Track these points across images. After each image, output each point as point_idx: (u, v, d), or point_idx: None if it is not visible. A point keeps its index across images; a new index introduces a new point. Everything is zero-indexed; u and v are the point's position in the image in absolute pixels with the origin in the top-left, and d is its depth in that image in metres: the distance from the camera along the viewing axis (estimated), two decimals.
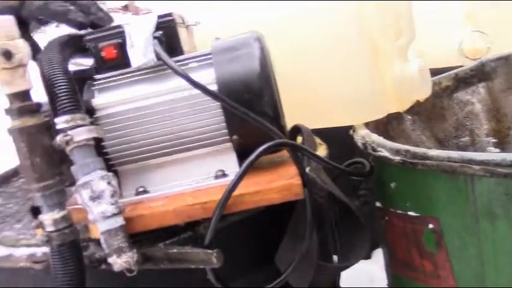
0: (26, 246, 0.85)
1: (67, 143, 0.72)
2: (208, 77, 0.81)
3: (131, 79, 0.84)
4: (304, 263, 0.82)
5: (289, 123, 0.95)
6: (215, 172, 0.83)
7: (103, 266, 0.79)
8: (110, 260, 0.74)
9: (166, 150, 0.84)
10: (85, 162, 0.73)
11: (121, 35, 0.83)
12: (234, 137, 0.82)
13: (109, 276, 0.78)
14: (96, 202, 0.72)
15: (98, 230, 0.73)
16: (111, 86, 0.84)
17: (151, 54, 0.80)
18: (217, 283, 0.77)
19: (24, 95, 0.73)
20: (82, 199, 0.72)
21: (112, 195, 0.73)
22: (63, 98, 0.72)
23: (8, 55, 0.70)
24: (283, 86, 0.96)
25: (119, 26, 0.84)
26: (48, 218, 0.74)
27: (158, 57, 0.79)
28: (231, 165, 0.84)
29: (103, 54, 0.84)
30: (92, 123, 0.77)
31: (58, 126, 0.72)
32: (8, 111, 0.73)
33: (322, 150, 1.06)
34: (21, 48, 0.72)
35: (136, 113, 0.82)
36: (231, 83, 0.80)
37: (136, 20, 0.84)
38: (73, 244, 0.75)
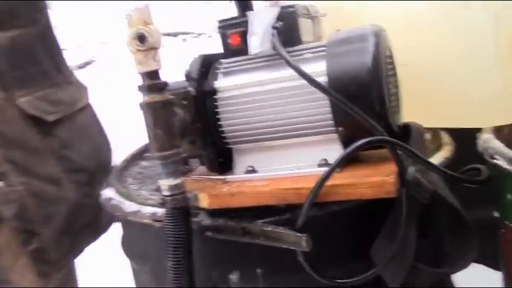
0: (151, 206, 0.97)
1: None
2: (319, 68, 0.84)
3: (251, 65, 0.90)
4: (398, 261, 0.83)
5: (410, 118, 0.94)
6: (319, 160, 0.87)
7: (209, 233, 0.89)
8: None
9: (275, 135, 0.89)
10: None
11: (247, 24, 0.90)
12: (340, 128, 0.85)
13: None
14: None
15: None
16: (233, 71, 0.92)
17: (268, 44, 0.86)
18: (306, 265, 0.81)
19: (154, 74, 0.83)
20: None
21: None
22: None
23: (142, 38, 0.80)
24: (408, 79, 0.96)
25: (245, 15, 0.91)
26: (164, 183, 0.84)
27: (274, 47, 0.84)
28: (335, 155, 0.86)
29: (229, 40, 0.91)
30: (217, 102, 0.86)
31: None
32: (140, 88, 0.84)
33: (445, 152, 1.03)
34: (154, 33, 0.81)
35: (251, 97, 0.89)
36: (341, 76, 0.82)
37: (261, 10, 0.89)
38: (183, 209, 0.84)
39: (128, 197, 1.02)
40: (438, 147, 1.05)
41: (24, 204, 1.10)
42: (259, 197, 0.82)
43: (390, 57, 0.91)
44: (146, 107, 0.83)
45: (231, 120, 0.90)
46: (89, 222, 1.24)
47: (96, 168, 1.25)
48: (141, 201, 1.00)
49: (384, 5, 1.11)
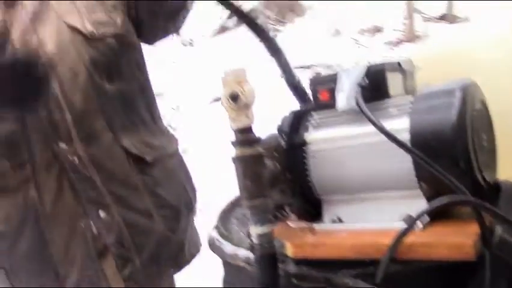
0: (246, 249, 1.03)
1: None
2: (402, 125, 0.86)
3: (339, 119, 0.94)
4: None
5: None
6: (404, 215, 0.88)
7: (294, 280, 0.93)
8: None
9: (360, 188, 0.92)
10: None
11: (336, 80, 0.94)
12: (423, 184, 0.85)
13: None
14: None
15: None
16: (322, 124, 0.96)
17: (353, 101, 0.89)
18: None
19: (246, 130, 0.90)
20: None
21: None
22: None
23: (235, 98, 0.88)
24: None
25: (336, 73, 0.95)
26: (253, 231, 0.91)
27: (357, 104, 0.88)
28: (418, 209, 0.87)
29: (319, 96, 0.96)
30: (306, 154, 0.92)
31: None
32: (232, 143, 0.91)
33: None
34: (247, 92, 0.89)
35: (339, 151, 0.92)
36: (423, 132, 0.83)
37: (350, 68, 0.93)
38: (270, 256, 0.90)
39: (229, 239, 1.10)
40: None
41: (122, 234, 1.23)
42: (340, 250, 0.85)
43: (483, 110, 0.90)
44: (237, 160, 0.90)
45: (319, 171, 0.95)
46: (174, 254, 1.36)
47: (181, 206, 1.37)
48: (238, 243, 1.07)
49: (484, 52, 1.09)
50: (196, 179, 1.50)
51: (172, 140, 1.43)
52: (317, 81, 0.97)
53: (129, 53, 1.31)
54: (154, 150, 1.35)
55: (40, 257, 1.18)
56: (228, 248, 1.07)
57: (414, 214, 0.87)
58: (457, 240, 0.76)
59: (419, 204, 0.87)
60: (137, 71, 1.33)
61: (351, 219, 0.93)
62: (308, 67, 7.09)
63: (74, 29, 1.23)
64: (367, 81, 0.90)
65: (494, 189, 0.87)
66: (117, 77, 1.28)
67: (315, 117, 0.98)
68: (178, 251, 1.38)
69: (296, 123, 0.98)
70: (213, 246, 1.14)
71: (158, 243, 1.32)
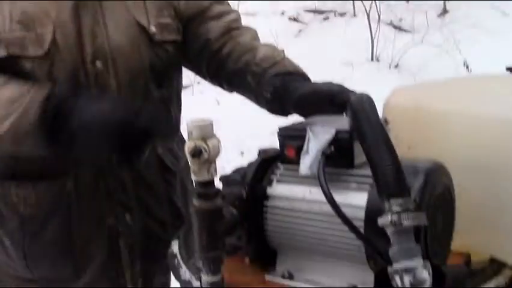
0: (198, 281, 1.07)
1: (395, 225, 0.76)
2: (359, 201, 0.87)
3: (302, 180, 0.95)
4: None
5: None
6: (348, 285, 0.90)
7: None
8: None
9: (313, 250, 0.94)
10: (409, 247, 0.76)
11: (304, 138, 0.94)
12: (371, 262, 0.87)
13: None
14: None
15: None
16: (286, 180, 0.97)
17: (315, 169, 0.89)
18: None
19: (206, 184, 0.91)
20: (401, 283, 0.75)
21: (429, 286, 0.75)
22: (397, 179, 0.77)
23: (198, 154, 0.89)
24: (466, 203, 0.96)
25: (305, 129, 0.95)
26: (204, 279, 0.93)
27: (318, 175, 0.88)
28: (366, 282, 0.90)
29: (286, 151, 0.96)
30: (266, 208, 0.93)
31: (391, 207, 0.77)
32: (193, 194, 0.92)
33: (500, 279, 1.00)
34: (211, 149, 0.89)
35: (297, 213, 0.94)
36: (378, 213, 0.84)
37: (319, 130, 0.93)
38: None
39: (187, 264, 1.13)
40: (497, 272, 1.02)
41: (139, 240, 1.26)
42: None
43: (445, 193, 0.91)
44: (196, 213, 0.91)
45: (276, 225, 0.97)
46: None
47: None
48: (194, 273, 1.10)
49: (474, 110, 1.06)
50: None
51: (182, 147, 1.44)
52: (286, 134, 0.97)
53: (179, 61, 1.29)
54: (178, 160, 1.36)
55: (62, 248, 1.20)
56: (184, 273, 1.11)
57: (359, 283, 0.90)
58: None
59: (366, 277, 0.90)
60: (177, 79, 1.32)
61: (301, 276, 0.96)
62: (321, 12, 6.90)
63: (141, 27, 1.20)
64: (333, 150, 0.90)
65: (441, 274, 0.89)
66: (165, 84, 1.25)
67: (281, 170, 0.99)
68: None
69: (261, 173, 0.99)
70: (171, 263, 1.17)
71: (165, 252, 1.36)
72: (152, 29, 1.20)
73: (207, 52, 1.27)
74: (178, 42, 1.26)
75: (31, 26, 1.10)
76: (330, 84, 1.03)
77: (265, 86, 1.15)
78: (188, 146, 0.89)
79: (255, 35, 1.29)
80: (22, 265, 1.23)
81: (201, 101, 5.21)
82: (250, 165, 1.00)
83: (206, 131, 0.90)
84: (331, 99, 0.97)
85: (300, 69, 1.20)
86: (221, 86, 1.33)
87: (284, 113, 1.14)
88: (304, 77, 1.17)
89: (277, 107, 1.14)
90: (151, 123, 1.03)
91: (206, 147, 0.89)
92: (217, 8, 1.30)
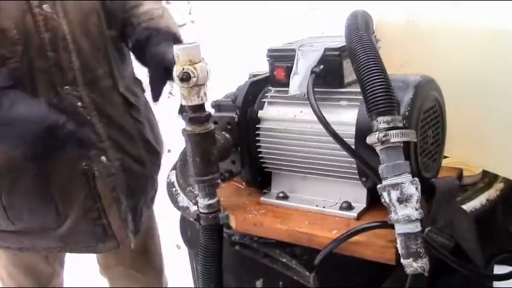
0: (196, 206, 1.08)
1: (382, 142, 0.76)
2: (349, 117, 0.87)
3: (293, 100, 0.94)
4: None
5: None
6: (341, 202, 0.92)
7: (237, 247, 0.99)
8: (404, 262, 0.75)
9: (306, 168, 0.95)
10: (396, 163, 0.76)
11: (293, 59, 0.93)
12: (363, 178, 0.89)
13: None
14: (403, 205, 0.75)
15: (396, 231, 0.76)
16: (277, 102, 0.97)
17: (305, 88, 0.89)
18: None
19: (197, 108, 0.91)
20: (388, 198, 0.76)
21: (417, 201, 0.76)
22: (386, 98, 0.77)
23: (187, 78, 0.88)
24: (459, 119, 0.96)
25: (294, 50, 0.94)
26: (200, 202, 0.95)
27: (307, 94, 0.88)
28: (359, 199, 0.91)
29: (275, 73, 0.96)
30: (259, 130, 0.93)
31: (378, 125, 0.77)
32: (184, 117, 0.92)
33: (492, 192, 1.01)
34: (199, 71, 0.88)
35: (289, 133, 0.94)
36: (368, 128, 0.84)
37: (307, 50, 0.92)
38: (215, 226, 0.95)
39: (184, 191, 1.14)
40: (489, 185, 1.03)
41: (118, 178, 1.28)
42: (278, 234, 0.90)
43: (435, 107, 0.90)
44: (188, 137, 0.92)
45: (269, 147, 0.97)
46: (153, 194, 1.46)
47: (161, 150, 1.44)
48: (191, 199, 1.11)
49: (461, 24, 1.05)
50: None
51: (141, 87, 1.44)
52: (275, 57, 0.96)
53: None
54: (138, 97, 1.37)
55: (41, 196, 1.22)
56: (182, 200, 1.12)
57: (354, 202, 0.92)
58: (381, 243, 0.81)
59: (359, 193, 0.91)
60: (120, 21, 1.30)
61: (295, 196, 0.97)
62: None
63: None
64: (322, 68, 0.90)
65: (431, 187, 0.90)
66: (115, 23, 1.26)
67: (271, 93, 0.98)
68: (155, 192, 1.46)
69: (252, 96, 0.99)
70: (169, 192, 1.19)
71: (147, 187, 1.38)
72: None
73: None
74: None
75: None
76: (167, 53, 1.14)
77: (133, 35, 1.28)
78: (176, 70, 0.88)
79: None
80: (3, 217, 1.25)
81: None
82: (240, 89, 1.00)
83: (193, 54, 0.89)
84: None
85: (170, 28, 1.30)
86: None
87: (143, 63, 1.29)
88: (170, 37, 1.26)
89: (137, 56, 1.31)
90: (69, 137, 1.11)
91: (194, 70, 0.88)
92: None
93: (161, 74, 1.17)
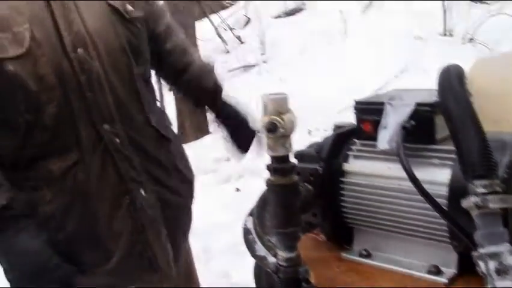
0: (274, 257, 1.06)
1: (479, 207, 0.71)
2: (441, 177, 0.83)
3: (381, 155, 0.91)
4: None
5: None
6: (428, 266, 0.87)
7: None
8: None
9: (392, 227, 0.91)
10: (494, 231, 0.71)
11: (381, 112, 0.91)
12: (455, 242, 0.84)
13: None
14: (502, 276, 0.70)
15: None
16: (363, 156, 0.94)
17: (394, 144, 0.86)
18: None
19: (282, 159, 0.89)
20: (485, 268, 0.71)
21: None
22: (483, 160, 0.72)
23: (273, 129, 0.87)
24: None
25: (382, 103, 0.91)
26: (280, 254, 0.93)
27: (397, 150, 0.84)
28: (448, 263, 0.86)
29: (362, 125, 0.93)
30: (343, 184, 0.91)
31: (475, 189, 0.72)
32: (268, 167, 0.91)
33: None
34: (287, 123, 0.87)
35: (376, 189, 0.91)
36: (463, 190, 0.80)
37: (397, 102, 0.89)
38: (293, 281, 0.92)
39: (262, 240, 1.12)
40: None
41: (157, 210, 1.30)
42: None
43: None
44: (271, 188, 0.90)
45: (353, 202, 0.94)
46: (189, 223, 1.49)
47: (193, 179, 1.48)
48: (270, 249, 1.09)
49: None
50: None
51: (167, 117, 1.48)
52: (362, 109, 0.94)
53: (146, 36, 1.34)
54: (168, 129, 1.41)
55: (87, 235, 1.24)
56: (260, 249, 1.10)
57: (442, 266, 0.86)
58: None
59: (448, 258, 0.86)
60: (148, 55, 1.36)
61: (379, 255, 0.93)
62: None
63: (114, 9, 1.23)
64: (413, 123, 0.87)
65: None
66: (141, 61, 1.30)
67: (357, 146, 0.96)
68: (191, 221, 1.49)
69: (337, 149, 0.97)
70: (246, 239, 1.17)
71: (183, 216, 1.41)
72: (128, 7, 1.26)
73: (152, 42, 1.38)
74: (150, 20, 1.35)
75: (6, 27, 1.12)
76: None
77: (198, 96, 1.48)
78: (263, 121, 0.88)
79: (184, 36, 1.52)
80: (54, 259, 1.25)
81: (268, 80, 5.20)
82: (325, 140, 0.98)
83: (281, 105, 0.88)
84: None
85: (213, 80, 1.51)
86: (163, 78, 1.55)
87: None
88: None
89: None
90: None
91: (281, 121, 0.87)
92: (159, 5, 1.45)
93: (247, 129, 1.29)
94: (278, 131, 0.87)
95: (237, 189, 3.80)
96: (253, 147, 1.49)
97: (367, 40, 5.39)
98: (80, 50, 1.19)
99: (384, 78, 4.61)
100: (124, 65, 1.26)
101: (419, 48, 5.13)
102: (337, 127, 1.03)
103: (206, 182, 3.74)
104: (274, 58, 5.86)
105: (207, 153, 4.20)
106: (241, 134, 1.38)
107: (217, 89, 1.51)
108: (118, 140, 1.24)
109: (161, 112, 1.46)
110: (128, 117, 1.27)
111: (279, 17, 6.75)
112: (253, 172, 3.65)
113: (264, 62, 5.57)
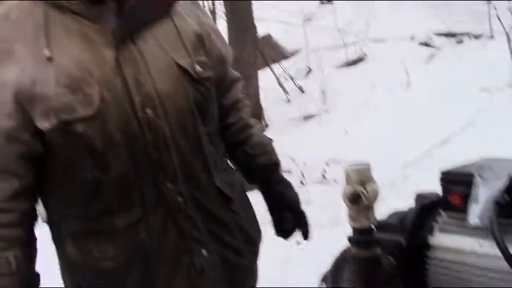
0: None
1: None
2: None
3: (469, 231, 0.87)
4: None
5: None
6: None
7: None
8: None
9: None
10: None
11: (471, 184, 0.86)
12: None
13: None
14: None
15: None
16: (450, 229, 0.90)
17: (486, 219, 0.81)
18: None
19: (365, 231, 0.86)
20: None
21: None
22: None
23: (356, 199, 0.85)
24: None
25: (472, 175, 0.87)
26: None
27: (490, 227, 0.80)
28: None
29: (449, 198, 0.89)
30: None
31: None
32: (349, 239, 0.88)
33: None
34: (370, 193, 0.85)
35: (464, 266, 0.86)
36: None
37: (488, 175, 0.85)
38: None
39: None
40: None
41: (219, 271, 1.27)
42: None
43: None
44: (352, 259, 0.87)
45: (439, 278, 0.89)
46: (252, 284, 1.41)
47: (258, 238, 1.40)
48: None
49: None
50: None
51: (236, 174, 1.45)
52: (450, 180, 0.90)
53: (214, 96, 1.33)
54: (233, 187, 1.38)
55: None
56: None
57: None
58: None
59: None
60: (215, 114, 1.35)
61: None
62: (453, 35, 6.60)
63: (183, 70, 1.25)
64: (507, 198, 0.82)
65: None
66: (208, 119, 1.30)
67: (443, 218, 0.91)
68: (255, 282, 1.42)
69: (421, 220, 0.92)
70: None
71: (246, 277, 1.36)
72: (197, 68, 1.24)
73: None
74: (217, 78, 1.31)
75: (78, 89, 1.13)
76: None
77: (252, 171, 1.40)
78: (346, 191, 0.86)
79: (249, 110, 1.47)
80: None
81: (330, 131, 5.17)
82: (409, 210, 0.94)
83: (364, 175, 0.86)
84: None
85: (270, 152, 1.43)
86: None
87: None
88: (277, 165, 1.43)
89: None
90: None
91: (365, 192, 0.85)
92: (232, 74, 1.41)
93: (302, 215, 1.27)
94: (362, 202, 0.85)
95: (298, 243, 3.72)
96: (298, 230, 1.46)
97: (431, 91, 5.29)
98: (148, 110, 1.20)
99: (449, 131, 4.48)
100: (191, 124, 1.25)
101: (485, 100, 4.98)
102: (420, 197, 0.99)
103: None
104: (335, 108, 5.83)
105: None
106: (286, 219, 1.35)
107: (272, 168, 1.47)
108: (180, 199, 1.23)
109: (227, 169, 1.45)
110: (192, 176, 1.26)
111: (340, 67, 6.75)
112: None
113: (326, 112, 5.55)
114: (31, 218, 1.16)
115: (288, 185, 1.40)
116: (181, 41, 1.23)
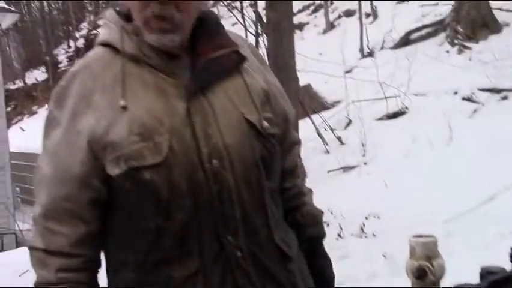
0: None
1: None
2: None
3: None
4: None
5: None
6: None
7: None
8: None
9: None
10: None
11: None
12: None
13: None
14: None
15: None
16: None
17: None
18: None
19: None
20: None
21: None
22: None
23: (422, 275, 0.80)
24: None
25: None
26: None
27: None
28: None
29: None
30: None
31: None
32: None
33: None
34: (437, 269, 0.80)
35: None
36: None
37: None
38: None
39: None
40: None
41: None
42: None
43: None
44: None
45: None
46: None
47: None
48: None
49: None
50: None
51: (294, 234, 1.42)
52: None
53: (279, 152, 1.33)
54: (291, 247, 1.35)
55: None
56: None
57: None
58: None
59: None
60: (280, 170, 1.33)
61: None
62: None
63: (251, 124, 1.25)
64: None
65: None
66: (272, 175, 1.29)
67: None
68: None
69: None
70: None
71: None
72: (264, 123, 1.24)
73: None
74: (282, 136, 1.31)
75: (149, 137, 1.14)
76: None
77: (299, 239, 1.35)
78: (411, 265, 0.82)
79: (305, 178, 1.45)
80: None
81: (369, 183, 5.10)
82: (475, 286, 0.89)
83: (431, 249, 0.82)
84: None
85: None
86: None
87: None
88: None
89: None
90: None
91: (431, 267, 0.81)
92: (293, 135, 1.39)
93: None
94: (428, 278, 0.81)
95: None
96: None
97: (474, 146, 5.19)
98: (215, 162, 1.21)
99: (493, 189, 4.36)
100: (255, 178, 1.24)
101: None
102: (486, 272, 0.94)
103: None
104: (375, 160, 5.77)
105: None
106: None
107: (320, 241, 1.47)
108: (239, 254, 1.21)
109: (287, 228, 1.43)
110: (252, 231, 1.25)
111: (381, 119, 6.72)
112: None
113: (365, 164, 5.50)
114: (95, 265, 1.16)
115: (329, 263, 1.39)
116: (250, 97, 1.24)
